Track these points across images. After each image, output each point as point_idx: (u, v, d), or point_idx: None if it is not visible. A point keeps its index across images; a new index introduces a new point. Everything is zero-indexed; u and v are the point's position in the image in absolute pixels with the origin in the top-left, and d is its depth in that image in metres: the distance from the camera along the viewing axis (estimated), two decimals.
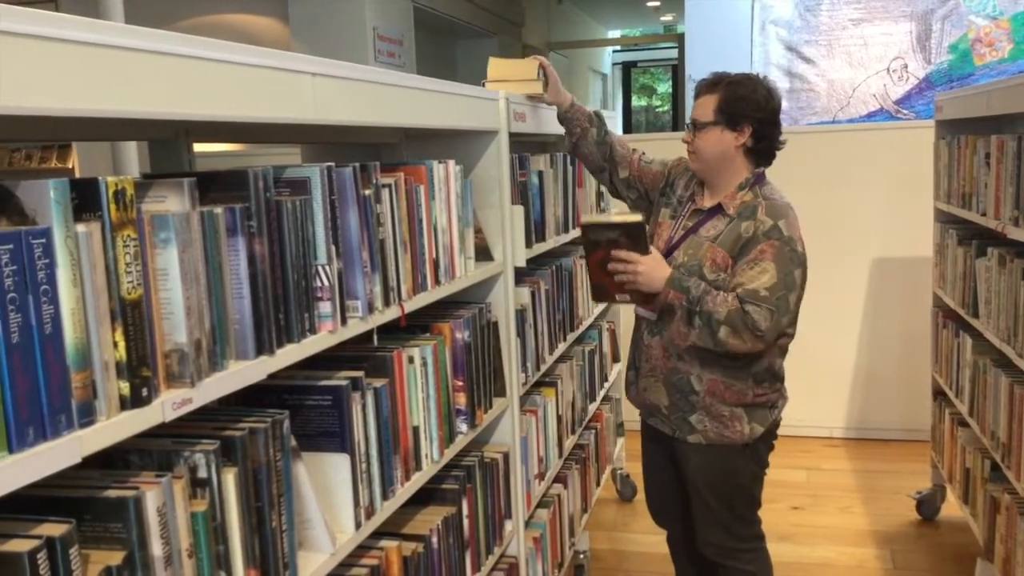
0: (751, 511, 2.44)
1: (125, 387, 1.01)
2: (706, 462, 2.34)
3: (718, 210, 2.27)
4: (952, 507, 3.57)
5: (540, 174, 2.72)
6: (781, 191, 2.31)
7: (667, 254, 2.30)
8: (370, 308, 1.57)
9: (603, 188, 3.68)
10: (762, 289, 2.11)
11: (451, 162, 1.96)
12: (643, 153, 2.58)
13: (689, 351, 2.27)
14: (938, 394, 3.72)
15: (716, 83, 2.25)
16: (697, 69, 6.69)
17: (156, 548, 1.05)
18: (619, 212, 2.41)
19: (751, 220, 2.20)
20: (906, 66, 6.30)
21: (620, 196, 2.64)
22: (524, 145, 3.19)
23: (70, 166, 7.30)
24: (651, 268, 2.19)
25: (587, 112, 2.57)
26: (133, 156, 4.86)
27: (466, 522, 2.07)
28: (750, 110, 2.20)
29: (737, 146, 2.23)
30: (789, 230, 2.18)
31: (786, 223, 2.18)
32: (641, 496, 3.96)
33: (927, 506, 3.74)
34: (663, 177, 2.49)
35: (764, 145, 2.25)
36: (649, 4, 12.82)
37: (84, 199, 0.98)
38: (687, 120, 2.33)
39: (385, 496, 1.65)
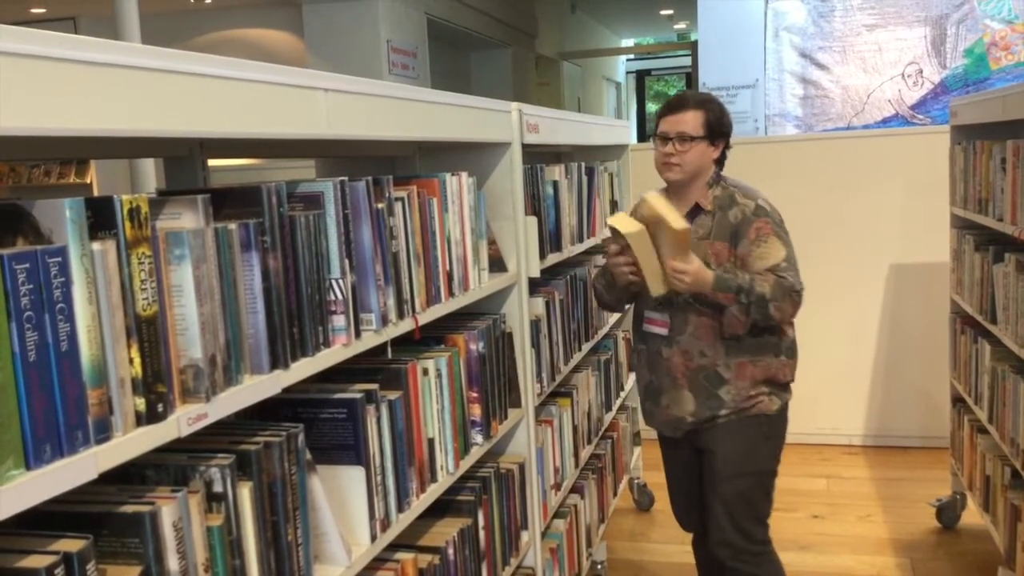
0: (765, 510, 2.52)
1: (141, 403, 1.02)
2: (732, 441, 2.44)
3: (696, 211, 2.43)
4: (972, 515, 3.54)
5: (555, 184, 2.73)
6: (738, 178, 2.54)
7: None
8: (384, 321, 1.57)
9: (617, 198, 3.70)
10: (781, 260, 2.34)
11: (464, 174, 1.97)
12: None
13: (712, 345, 2.40)
14: (957, 401, 3.69)
15: (703, 101, 2.43)
16: (711, 76, 6.69)
17: (172, 563, 1.06)
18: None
19: (734, 207, 2.40)
20: (921, 71, 6.27)
21: None
22: (538, 156, 3.20)
23: (88, 181, 7.37)
24: (697, 273, 2.26)
25: None
26: (151, 170, 4.91)
27: (482, 533, 2.07)
28: (726, 128, 2.45)
29: (714, 159, 2.44)
30: (768, 204, 2.43)
31: (764, 200, 2.44)
32: (659, 506, 3.96)
33: (947, 514, 3.71)
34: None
35: (725, 157, 2.50)
36: (662, 13, 12.83)
37: (99, 217, 0.99)
38: (659, 133, 2.43)
39: (400, 508, 1.65)
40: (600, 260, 3.36)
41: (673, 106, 2.43)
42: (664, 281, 2.29)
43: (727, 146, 2.48)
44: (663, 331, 2.44)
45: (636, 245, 2.25)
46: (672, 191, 2.47)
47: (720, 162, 2.48)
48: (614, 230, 2.29)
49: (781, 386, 2.47)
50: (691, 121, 2.38)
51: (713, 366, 2.41)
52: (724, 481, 2.46)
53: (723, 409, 2.42)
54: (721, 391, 2.42)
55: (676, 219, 2.19)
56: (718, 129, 2.42)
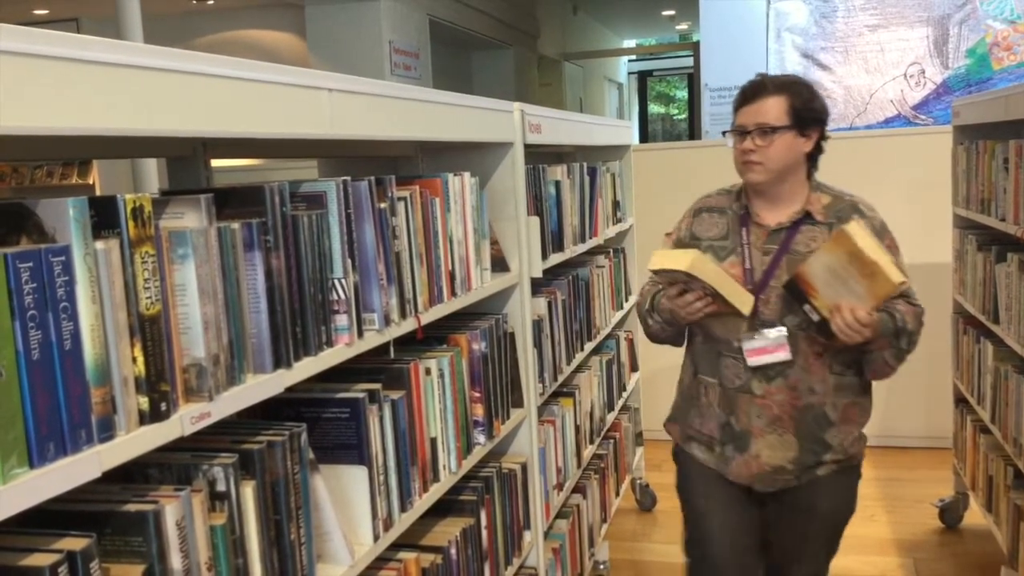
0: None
1: (144, 402, 1.02)
2: (836, 497, 2.17)
3: (804, 220, 2.07)
4: (975, 515, 3.54)
5: (557, 184, 2.73)
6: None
7: (760, 287, 2.04)
8: (386, 320, 1.57)
9: (618, 198, 3.70)
10: (907, 282, 1.99)
11: (466, 174, 1.97)
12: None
13: (823, 380, 2.06)
14: (960, 401, 3.68)
15: (785, 84, 2.05)
16: (713, 77, 6.69)
17: (175, 561, 1.06)
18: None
19: (859, 218, 2.05)
20: (923, 71, 6.26)
21: None
22: (540, 156, 3.20)
23: (91, 182, 7.37)
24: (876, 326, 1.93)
25: None
26: (153, 171, 4.91)
27: (484, 533, 2.07)
28: (819, 114, 2.06)
29: (806, 152, 2.06)
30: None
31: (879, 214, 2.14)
32: (661, 506, 3.96)
33: (950, 514, 3.71)
34: (681, 242, 2.22)
35: (820, 152, 2.12)
36: (664, 13, 12.83)
37: (103, 216, 0.99)
38: (736, 127, 2.07)
39: (403, 508, 1.65)
40: (601, 260, 3.36)
41: (749, 93, 2.06)
42: (751, 299, 1.99)
43: (823, 136, 2.09)
44: (781, 356, 2.02)
45: (706, 274, 1.93)
46: (757, 195, 2.11)
47: (814, 157, 2.11)
48: (665, 271, 2.00)
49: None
50: (772, 109, 2.01)
51: (821, 405, 2.06)
52: (822, 542, 2.22)
53: (828, 455, 2.09)
54: (828, 435, 2.08)
55: (893, 271, 1.85)
56: (807, 116, 2.03)
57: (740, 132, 2.05)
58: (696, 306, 1.99)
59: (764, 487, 2.13)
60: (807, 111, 2.03)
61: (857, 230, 1.88)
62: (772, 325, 2.02)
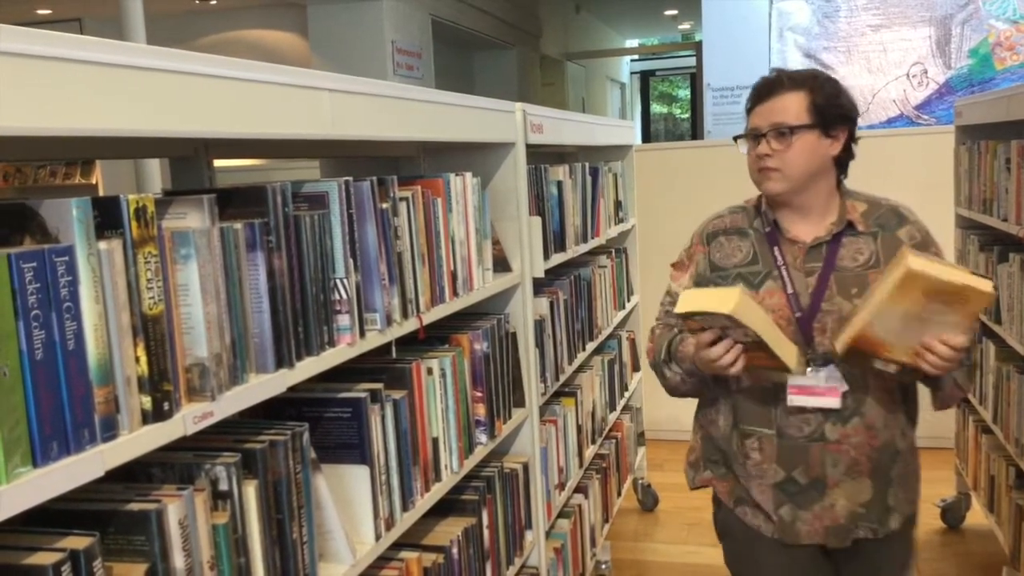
0: None
1: (147, 401, 1.03)
2: (906, 543, 1.92)
3: (846, 232, 1.80)
4: (977, 515, 3.53)
5: (559, 184, 2.73)
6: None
7: (811, 313, 1.75)
8: (388, 320, 1.58)
9: (620, 198, 3.70)
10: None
11: (468, 175, 1.98)
12: (667, 308, 1.95)
13: (893, 411, 1.81)
14: (962, 401, 3.68)
15: (804, 79, 1.78)
16: (716, 77, 6.69)
17: (178, 560, 1.06)
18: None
19: (906, 225, 1.81)
20: (926, 71, 6.26)
21: None
22: (542, 156, 3.21)
23: (94, 182, 7.38)
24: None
25: None
26: (156, 171, 4.92)
27: (486, 533, 2.08)
28: (846, 110, 1.79)
29: (833, 155, 1.79)
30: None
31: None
32: (663, 506, 3.97)
33: (952, 514, 3.70)
34: (699, 275, 1.91)
35: (850, 155, 1.84)
36: (666, 13, 12.83)
37: (106, 217, 0.99)
38: (750, 130, 1.81)
39: (405, 507, 1.66)
40: (603, 260, 3.36)
41: (763, 91, 1.79)
42: (798, 351, 1.69)
43: (852, 137, 1.82)
44: (829, 402, 1.73)
45: (754, 321, 1.59)
46: (783, 207, 1.82)
47: (844, 162, 1.83)
48: (700, 315, 1.62)
49: None
50: (790, 106, 1.74)
51: (893, 437, 1.81)
52: None
53: (898, 493, 1.84)
54: (894, 471, 1.82)
55: (981, 281, 1.54)
56: (832, 113, 1.75)
57: (754, 135, 1.78)
58: (729, 359, 1.64)
59: (839, 543, 1.81)
60: (832, 108, 1.76)
61: (923, 263, 1.55)
62: (828, 360, 1.73)
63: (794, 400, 1.75)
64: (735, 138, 1.85)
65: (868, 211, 1.83)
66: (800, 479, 1.79)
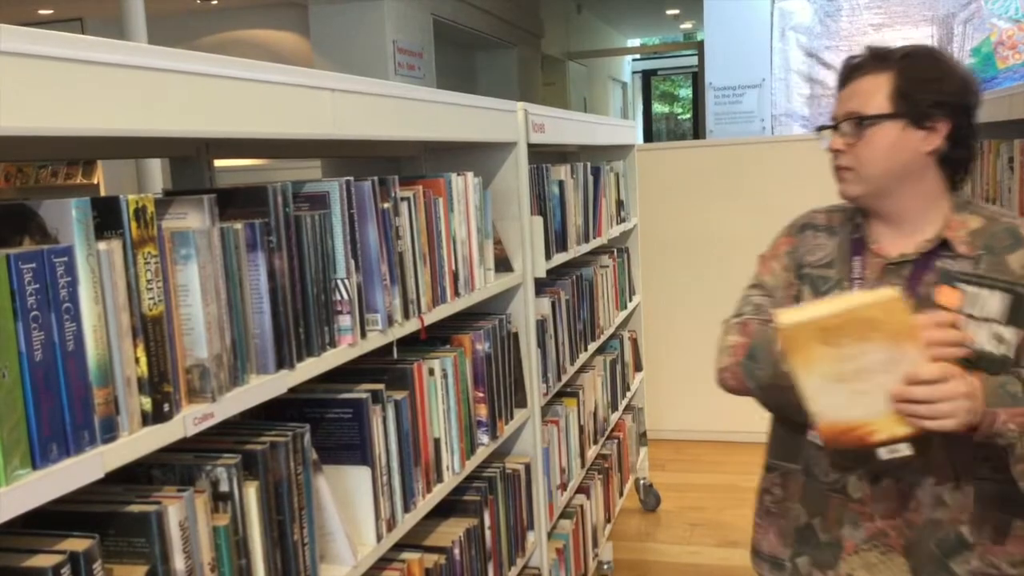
0: None
1: (147, 403, 1.02)
2: None
3: (940, 252, 1.45)
4: None
5: (560, 184, 2.73)
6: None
7: None
8: (390, 321, 1.57)
9: (622, 197, 3.69)
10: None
11: (470, 174, 1.97)
12: (757, 302, 1.62)
13: (957, 487, 1.44)
14: None
15: (886, 57, 1.46)
16: (717, 76, 6.68)
17: (178, 562, 1.06)
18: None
19: (1019, 248, 1.42)
20: None
21: None
22: (544, 155, 3.20)
23: (95, 182, 7.39)
24: (973, 387, 1.29)
25: None
26: (157, 171, 4.92)
27: (488, 533, 2.07)
28: (950, 96, 1.43)
29: (928, 152, 1.44)
30: None
31: None
32: (665, 506, 3.96)
33: None
34: (785, 270, 1.62)
35: (962, 153, 1.47)
36: (668, 12, 12.84)
37: (105, 217, 0.99)
38: (834, 118, 1.50)
39: (406, 508, 1.65)
40: (605, 260, 3.36)
41: (843, 73, 1.51)
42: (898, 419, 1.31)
43: (963, 131, 1.44)
44: (900, 452, 1.34)
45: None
46: (875, 215, 1.52)
47: (954, 163, 1.46)
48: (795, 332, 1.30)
49: None
50: (869, 91, 1.44)
51: (955, 523, 1.44)
52: None
53: None
54: (957, 564, 1.45)
55: (873, 294, 1.28)
56: (925, 99, 1.41)
57: (834, 127, 1.49)
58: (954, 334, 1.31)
59: None
60: (925, 92, 1.41)
61: (794, 313, 1.30)
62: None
63: (815, 438, 1.45)
64: (817, 129, 1.55)
65: (981, 229, 1.45)
66: (818, 531, 1.53)
